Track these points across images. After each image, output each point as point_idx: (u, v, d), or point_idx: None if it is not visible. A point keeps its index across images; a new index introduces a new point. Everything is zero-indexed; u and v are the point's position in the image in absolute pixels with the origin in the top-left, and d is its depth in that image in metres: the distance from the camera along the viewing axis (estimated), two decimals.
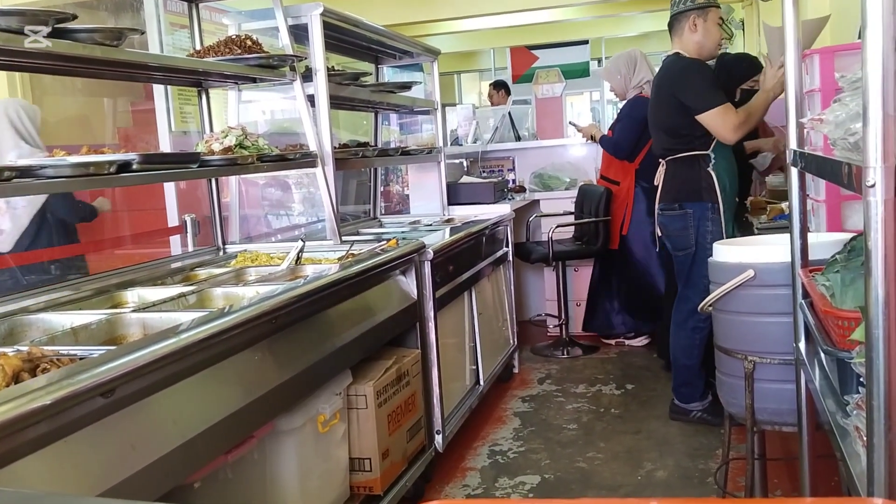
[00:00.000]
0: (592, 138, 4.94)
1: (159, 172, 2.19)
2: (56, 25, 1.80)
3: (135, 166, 2.01)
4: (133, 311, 2.02)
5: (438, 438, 3.06)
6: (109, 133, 6.29)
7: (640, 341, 4.87)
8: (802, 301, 1.93)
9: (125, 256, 4.37)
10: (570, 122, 5.72)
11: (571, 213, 4.96)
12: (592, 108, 12.09)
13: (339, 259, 2.80)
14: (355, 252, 2.87)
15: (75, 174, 1.83)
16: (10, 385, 1.36)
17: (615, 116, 4.88)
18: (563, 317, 4.87)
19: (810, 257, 1.96)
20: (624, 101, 4.67)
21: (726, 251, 2.42)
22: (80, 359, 1.46)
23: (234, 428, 1.77)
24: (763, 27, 3.36)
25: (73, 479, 1.33)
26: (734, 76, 3.88)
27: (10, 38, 1.73)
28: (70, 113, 6.28)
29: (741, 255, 2.33)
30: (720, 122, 3.24)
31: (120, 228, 5.84)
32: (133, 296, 2.32)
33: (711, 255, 3.23)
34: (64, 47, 1.87)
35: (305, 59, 3.03)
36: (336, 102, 3.61)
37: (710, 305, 2.41)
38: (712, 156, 3.31)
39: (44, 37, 1.77)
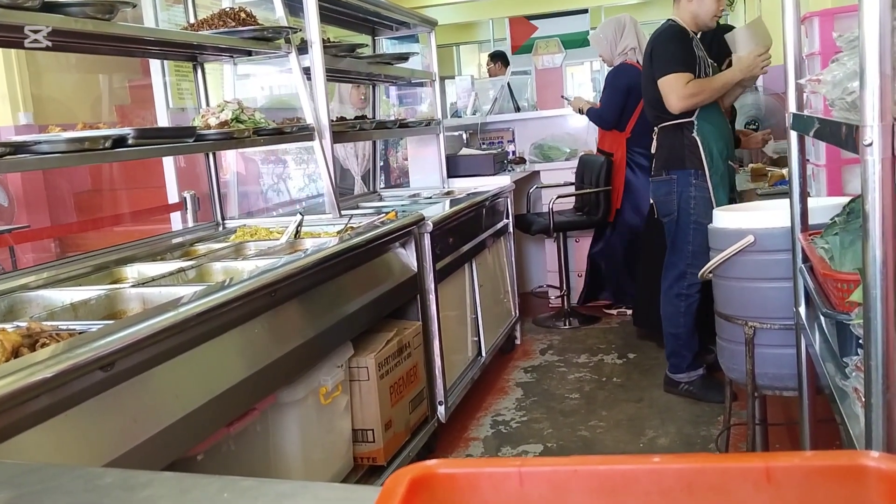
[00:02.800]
0: (580, 111, 4.90)
1: (155, 147, 2.18)
2: None
3: (130, 141, 1.99)
4: (132, 286, 2.02)
5: (441, 409, 3.07)
6: (107, 110, 6.27)
7: None
8: (802, 265, 1.93)
9: (125, 233, 4.37)
10: (561, 97, 5.67)
11: (572, 184, 4.93)
12: (593, 77, 11.99)
13: (339, 232, 2.80)
14: (354, 225, 2.87)
15: (70, 150, 1.82)
16: (9, 360, 1.36)
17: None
18: (564, 288, 4.87)
19: (810, 221, 1.95)
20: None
21: (726, 217, 2.41)
22: (80, 333, 1.47)
23: (235, 400, 1.78)
24: (732, 35, 3.35)
25: (75, 452, 1.33)
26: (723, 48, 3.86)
27: (2, 14, 1.71)
28: (67, 90, 6.26)
29: (741, 220, 2.32)
30: (671, 87, 3.25)
31: (120, 206, 5.85)
32: (132, 271, 2.32)
33: (694, 222, 3.31)
34: (56, 21, 1.85)
35: (301, 31, 3.00)
36: (333, 75, 3.59)
37: (710, 272, 2.41)
38: (696, 122, 3.30)
39: (35, 10, 1.75)
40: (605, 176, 4.56)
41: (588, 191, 4.68)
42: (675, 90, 3.24)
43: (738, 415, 2.88)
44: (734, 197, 3.44)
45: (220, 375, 1.74)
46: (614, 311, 4.94)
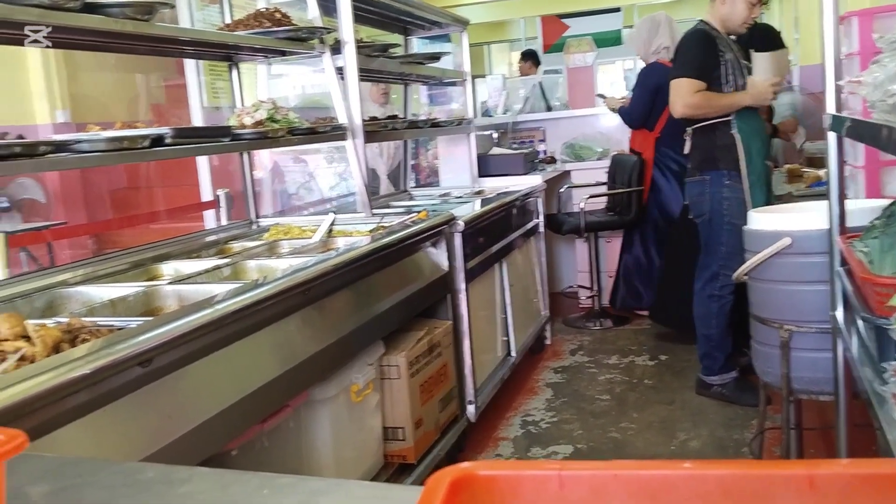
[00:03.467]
0: (613, 109, 4.87)
1: (192, 146, 2.21)
2: (87, 0, 1.81)
3: (168, 140, 2.02)
4: (169, 283, 2.05)
5: (471, 408, 3.07)
6: (143, 108, 6.37)
7: None
8: (840, 268, 1.90)
9: (160, 230, 4.43)
10: (598, 95, 5.63)
11: (603, 184, 4.91)
12: (625, 76, 11.90)
13: (370, 231, 2.81)
14: (386, 224, 2.88)
15: (110, 149, 1.85)
16: (50, 356, 1.39)
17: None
18: (595, 288, 4.84)
19: (848, 224, 1.93)
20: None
21: (762, 219, 2.38)
22: (118, 329, 1.49)
23: (269, 397, 1.80)
24: (752, 56, 3.32)
25: (112, 447, 1.36)
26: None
27: (43, 14, 1.75)
28: (104, 88, 6.36)
29: (777, 222, 2.29)
30: (677, 92, 3.28)
31: (154, 203, 5.94)
32: (169, 269, 2.35)
33: (727, 223, 3.28)
34: (95, 22, 1.88)
35: (334, 31, 3.02)
36: (365, 75, 3.60)
37: (745, 274, 2.38)
38: (734, 122, 3.27)
39: (76, 10, 1.79)
40: (638, 176, 4.53)
41: (620, 191, 4.65)
42: (682, 96, 3.26)
43: (773, 419, 2.84)
44: (770, 198, 3.40)
45: (254, 372, 1.76)
46: (645, 312, 4.90)
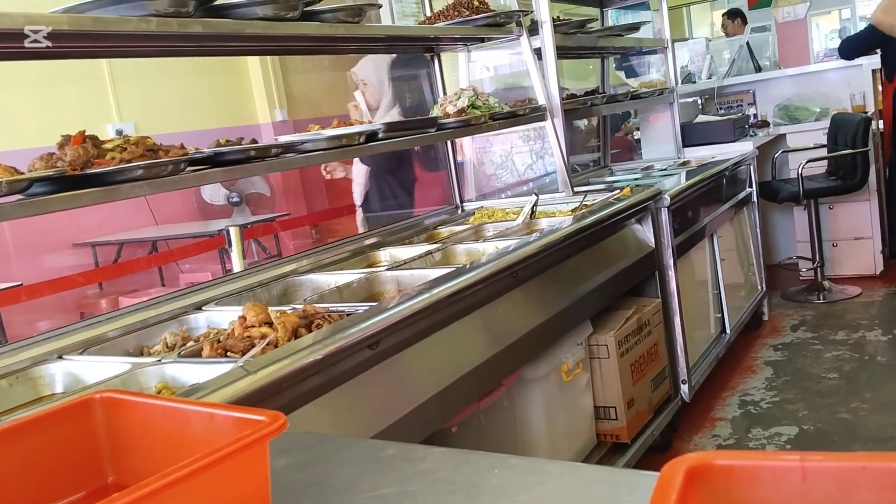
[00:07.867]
0: None
1: (402, 139, 2.31)
2: (305, 8, 1.96)
3: (380, 135, 2.14)
4: (387, 269, 2.18)
5: (684, 388, 2.99)
6: (349, 102, 6.74)
7: None
8: None
9: (374, 217, 4.69)
10: None
11: (823, 146, 4.55)
12: (842, 27, 10.89)
13: (573, 211, 2.80)
14: (588, 203, 2.86)
15: (330, 146, 1.99)
16: (290, 340, 1.53)
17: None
18: (817, 259, 4.51)
19: None
20: None
21: None
22: (348, 315, 1.61)
23: (484, 376, 1.87)
24: None
25: (346, 424, 1.47)
26: None
27: (268, 26, 1.91)
28: (314, 87, 6.81)
29: None
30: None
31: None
32: (385, 255, 2.50)
33: None
34: (312, 28, 2.02)
35: (531, 12, 3.03)
36: (561, 52, 3.57)
37: None
38: None
39: (296, 20, 1.93)
40: (863, 135, 4.15)
41: (844, 152, 4.29)
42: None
43: None
44: None
45: (469, 353, 1.83)
46: None
